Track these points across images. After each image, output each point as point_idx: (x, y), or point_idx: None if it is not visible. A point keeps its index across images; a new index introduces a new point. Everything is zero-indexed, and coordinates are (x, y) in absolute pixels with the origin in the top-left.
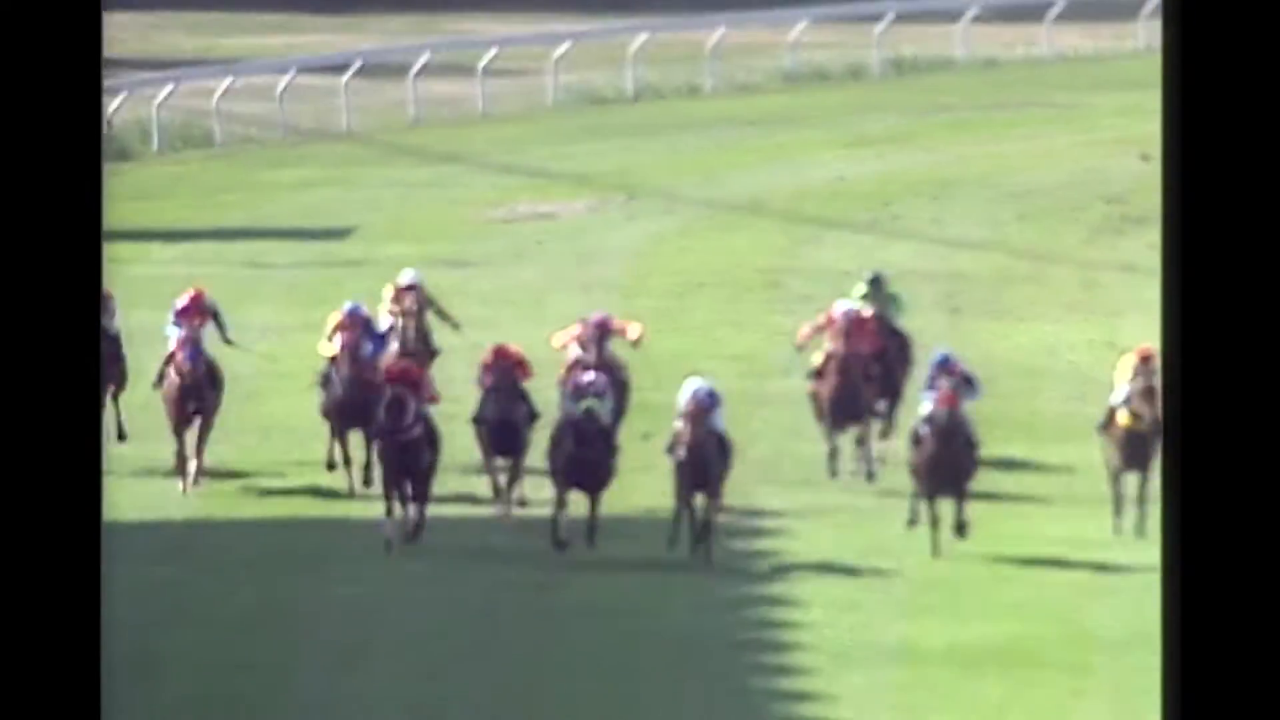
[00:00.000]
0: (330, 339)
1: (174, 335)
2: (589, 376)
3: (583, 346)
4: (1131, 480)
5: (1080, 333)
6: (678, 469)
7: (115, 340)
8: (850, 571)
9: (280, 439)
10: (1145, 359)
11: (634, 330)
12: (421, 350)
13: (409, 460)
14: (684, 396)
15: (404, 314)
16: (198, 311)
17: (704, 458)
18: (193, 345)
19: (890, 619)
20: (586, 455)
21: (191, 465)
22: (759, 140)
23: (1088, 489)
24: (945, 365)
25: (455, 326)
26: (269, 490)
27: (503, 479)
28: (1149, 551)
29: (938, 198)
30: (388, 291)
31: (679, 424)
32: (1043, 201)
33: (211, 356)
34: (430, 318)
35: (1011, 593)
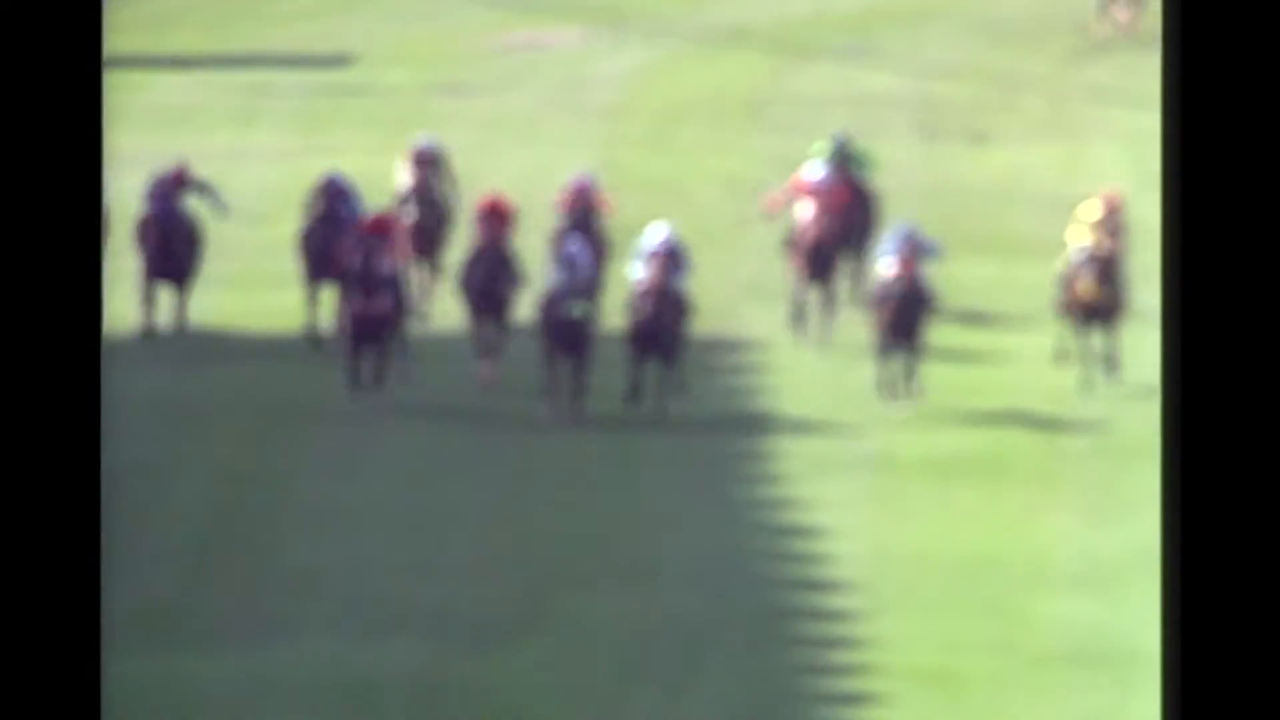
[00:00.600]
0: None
1: (153, 201)
2: (574, 248)
3: (569, 214)
4: (1095, 337)
5: (1049, 155)
6: (635, 327)
7: None
8: (828, 383)
9: (287, 260)
10: (1110, 208)
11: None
12: (433, 217)
13: (378, 321)
14: (650, 241)
15: (421, 181)
16: (181, 182)
17: (661, 320)
18: (169, 213)
19: (868, 429)
20: (573, 349)
21: (167, 320)
22: None
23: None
24: (909, 237)
25: (456, 198)
26: (271, 310)
27: (488, 340)
28: (1116, 376)
29: (914, 27)
30: (405, 156)
31: (642, 271)
32: (1013, 29)
33: (191, 220)
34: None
35: (983, 405)
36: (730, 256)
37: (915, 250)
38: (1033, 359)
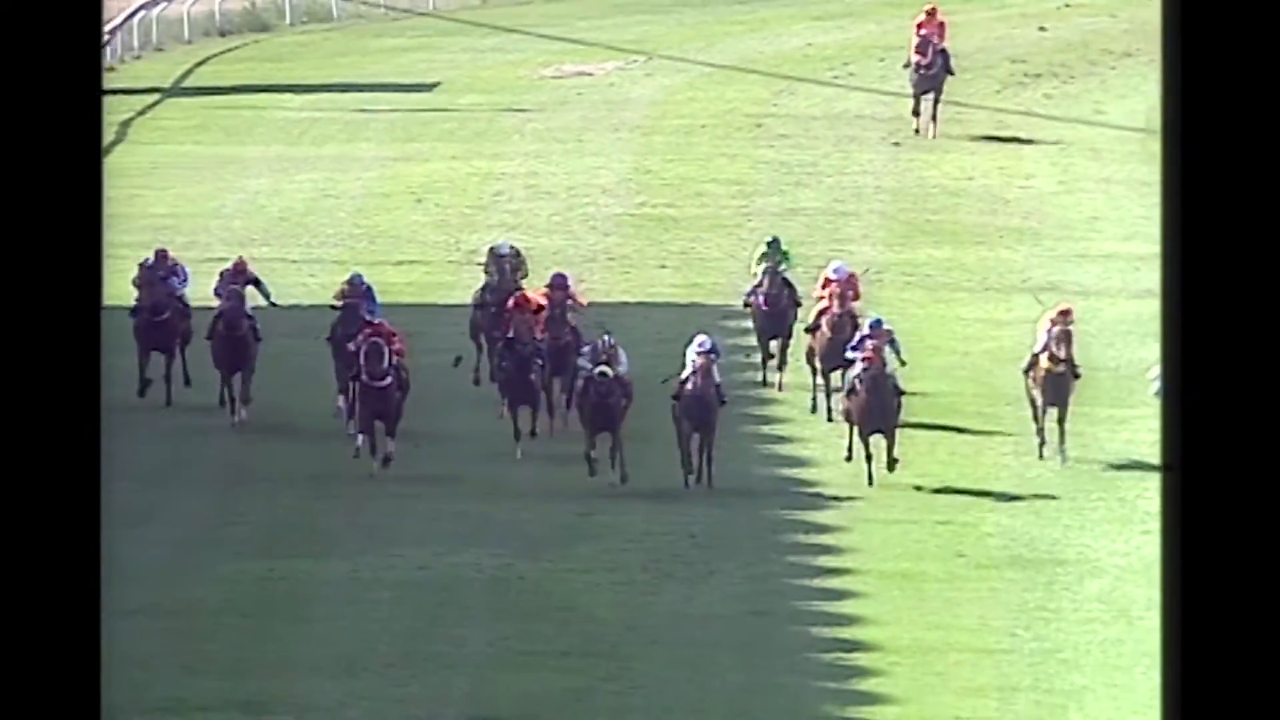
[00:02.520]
0: (338, 298)
1: (223, 297)
2: (601, 343)
3: (553, 307)
4: (1053, 414)
5: (991, 161)
6: (685, 412)
7: (184, 301)
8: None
9: (384, 244)
10: (1064, 313)
11: (582, 300)
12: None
13: (384, 402)
14: (693, 350)
15: (501, 278)
16: (242, 276)
17: (708, 407)
18: (236, 308)
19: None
20: (607, 403)
21: (239, 405)
22: (746, 15)
23: (999, 280)
24: (875, 327)
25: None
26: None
27: (521, 422)
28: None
29: (884, 59)
30: (487, 256)
31: (689, 371)
32: (963, 61)
33: (252, 315)
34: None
35: (938, 359)
36: (735, 242)
37: (879, 344)
38: (979, 322)
